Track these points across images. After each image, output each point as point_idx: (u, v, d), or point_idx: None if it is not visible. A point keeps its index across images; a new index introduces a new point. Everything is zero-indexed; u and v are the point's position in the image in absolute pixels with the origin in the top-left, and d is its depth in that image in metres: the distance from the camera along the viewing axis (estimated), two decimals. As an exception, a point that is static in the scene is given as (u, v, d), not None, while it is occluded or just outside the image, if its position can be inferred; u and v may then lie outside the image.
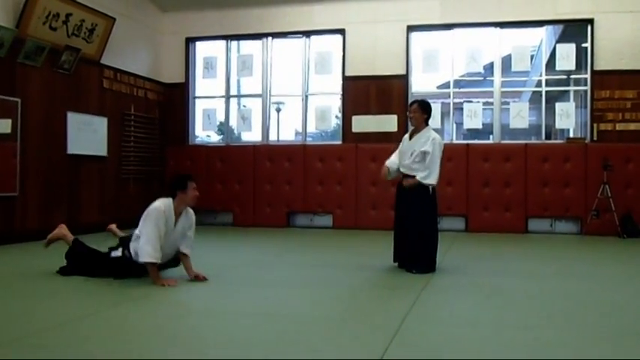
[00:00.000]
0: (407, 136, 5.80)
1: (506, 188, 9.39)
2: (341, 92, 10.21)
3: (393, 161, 5.81)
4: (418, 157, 5.56)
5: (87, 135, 8.87)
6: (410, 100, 9.89)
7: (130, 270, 5.01)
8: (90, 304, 4.15)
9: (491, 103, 10.02)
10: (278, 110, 12.20)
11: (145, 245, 4.77)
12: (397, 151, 5.85)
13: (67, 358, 2.90)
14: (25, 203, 7.78)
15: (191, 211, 5.16)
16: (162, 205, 4.89)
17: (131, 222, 9.59)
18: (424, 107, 5.70)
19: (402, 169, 5.73)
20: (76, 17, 8.35)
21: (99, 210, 9.15)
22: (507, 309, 4.02)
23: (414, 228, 5.53)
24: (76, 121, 8.65)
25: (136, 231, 4.99)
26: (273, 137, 10.87)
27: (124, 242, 5.13)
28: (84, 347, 3.09)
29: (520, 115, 9.63)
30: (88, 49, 8.73)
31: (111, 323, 3.61)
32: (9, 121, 7.57)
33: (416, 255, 5.50)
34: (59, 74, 8.35)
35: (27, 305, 4.10)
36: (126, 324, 3.61)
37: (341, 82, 10.19)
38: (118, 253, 5.09)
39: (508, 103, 10.16)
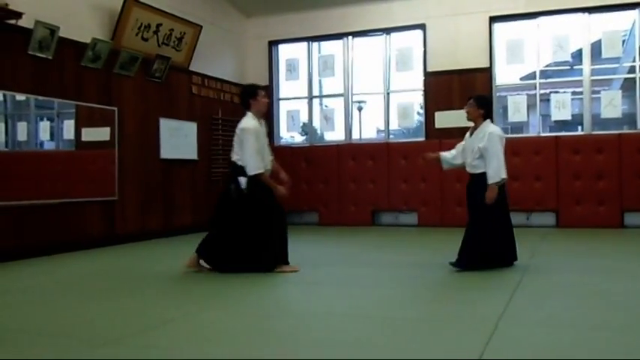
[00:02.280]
0: (468, 133, 5.73)
1: (599, 181, 9.04)
2: (423, 88, 10.13)
3: (450, 152, 5.83)
4: (477, 154, 5.46)
5: (178, 140, 9.26)
6: (495, 94, 9.80)
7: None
8: (189, 304, 4.36)
9: (581, 93, 9.65)
10: (360, 109, 12.26)
11: (250, 160, 5.30)
12: (459, 145, 5.81)
13: (169, 358, 3.09)
14: (124, 207, 8.22)
15: (263, 121, 5.65)
16: (249, 123, 5.41)
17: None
18: (480, 102, 5.59)
19: (467, 169, 5.66)
20: (165, 27, 8.72)
21: (192, 212, 9.54)
22: (606, 310, 3.90)
23: (480, 224, 5.39)
24: (167, 127, 9.05)
25: (235, 157, 5.46)
26: (355, 136, 10.93)
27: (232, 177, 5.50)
28: (185, 346, 3.27)
29: (612, 104, 9.23)
30: (177, 57, 9.10)
31: (207, 324, 3.78)
32: (108, 129, 8.03)
33: (465, 249, 5.40)
34: (151, 82, 8.76)
35: (132, 304, 4.36)
36: (221, 324, 3.76)
37: (422, 77, 10.12)
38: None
39: (598, 92, 9.73)
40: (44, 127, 7.59)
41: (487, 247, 5.38)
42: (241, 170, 5.43)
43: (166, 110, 9.08)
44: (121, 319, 3.89)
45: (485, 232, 5.37)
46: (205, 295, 4.67)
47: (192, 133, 9.58)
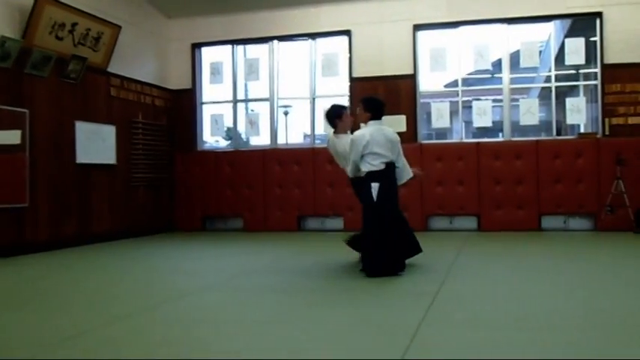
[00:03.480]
0: None
1: (518, 186, 9.31)
2: (348, 94, 10.15)
3: None
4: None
5: (96, 144, 8.87)
6: (419, 100, 9.94)
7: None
8: (102, 314, 4.12)
9: (501, 101, 9.93)
10: (286, 113, 12.19)
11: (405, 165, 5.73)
12: None
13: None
14: (36, 214, 7.77)
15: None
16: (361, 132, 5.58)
17: (142, 229, 9.67)
18: (367, 105, 5.70)
19: None
20: (81, 26, 8.35)
21: (110, 218, 9.15)
22: (525, 310, 3.95)
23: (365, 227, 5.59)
24: (84, 131, 8.65)
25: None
26: (281, 141, 10.83)
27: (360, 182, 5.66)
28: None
29: (530, 112, 9.54)
30: (94, 58, 8.73)
31: (115, 337, 3.58)
32: (18, 132, 7.58)
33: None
34: (66, 84, 8.35)
35: (32, 318, 4.08)
36: (135, 335, 3.59)
37: (348, 83, 10.14)
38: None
39: (517, 100, 10.06)
40: (-54, 129, 7.10)
41: (372, 250, 5.42)
42: (372, 177, 5.50)
43: (83, 113, 8.68)
44: (20, 334, 3.62)
45: (369, 232, 5.48)
46: (117, 305, 4.43)
47: (110, 136, 9.19)
